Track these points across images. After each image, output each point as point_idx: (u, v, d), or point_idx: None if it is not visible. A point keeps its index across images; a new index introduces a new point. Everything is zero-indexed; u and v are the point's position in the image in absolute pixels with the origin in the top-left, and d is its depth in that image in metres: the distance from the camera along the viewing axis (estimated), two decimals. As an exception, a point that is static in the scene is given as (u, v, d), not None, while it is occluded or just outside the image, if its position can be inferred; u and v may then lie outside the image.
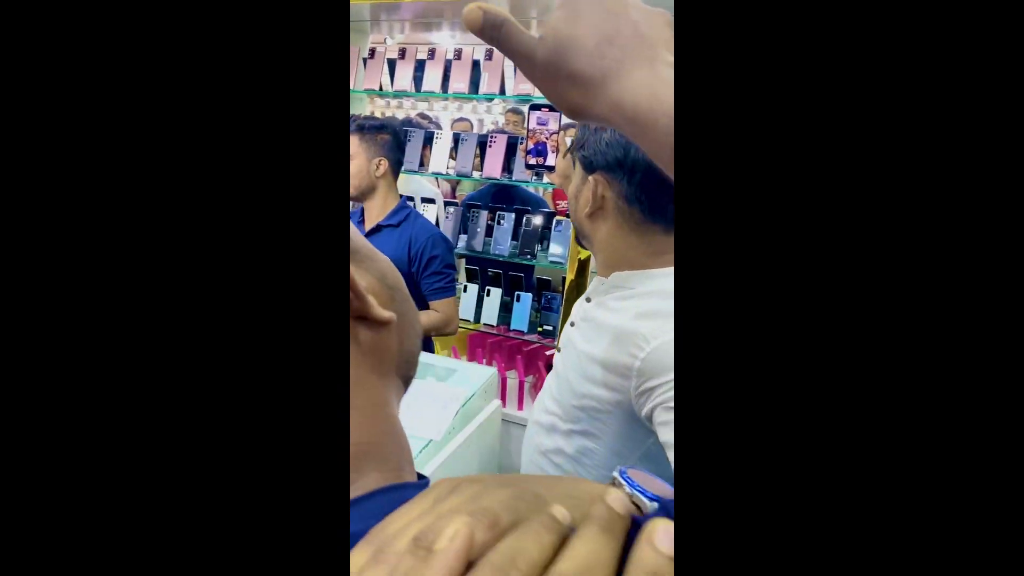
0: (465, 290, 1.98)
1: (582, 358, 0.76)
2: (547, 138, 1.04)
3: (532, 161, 1.05)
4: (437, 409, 0.90)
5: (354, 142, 1.44)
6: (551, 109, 1.04)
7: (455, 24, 2.12)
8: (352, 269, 0.32)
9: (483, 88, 1.84)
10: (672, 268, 0.62)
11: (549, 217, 1.86)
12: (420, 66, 1.94)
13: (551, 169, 1.06)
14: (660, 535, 0.19)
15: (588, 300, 0.82)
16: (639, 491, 0.27)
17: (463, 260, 2.11)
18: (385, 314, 0.33)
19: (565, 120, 1.05)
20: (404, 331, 0.36)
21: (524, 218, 1.87)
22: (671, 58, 0.27)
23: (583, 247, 0.88)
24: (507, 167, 1.85)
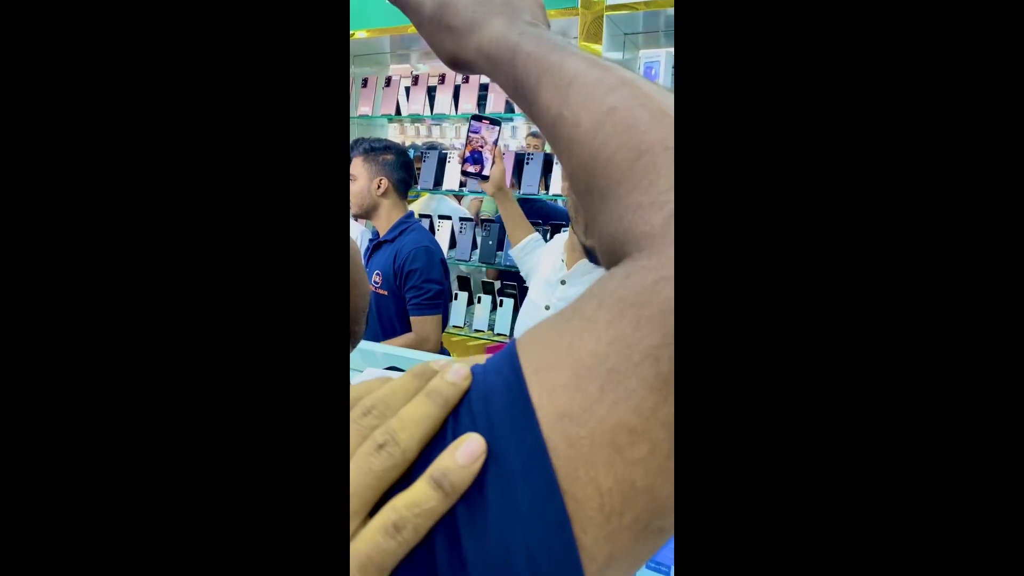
0: (479, 301, 2.05)
1: None
2: (483, 147, 1.07)
3: (469, 169, 1.07)
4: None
5: (357, 163, 1.48)
6: (492, 122, 1.07)
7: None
8: None
9: (489, 108, 1.94)
10: None
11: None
12: (432, 91, 2.05)
13: (486, 179, 1.09)
14: (463, 447, 0.22)
15: (563, 283, 0.88)
16: None
17: (480, 272, 2.18)
18: None
19: (495, 132, 1.09)
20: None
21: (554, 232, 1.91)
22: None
23: (580, 233, 0.92)
24: (525, 181, 1.92)
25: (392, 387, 0.26)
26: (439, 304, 1.48)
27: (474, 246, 2.07)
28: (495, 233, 2.01)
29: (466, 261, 2.04)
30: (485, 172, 1.08)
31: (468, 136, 1.06)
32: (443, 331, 1.59)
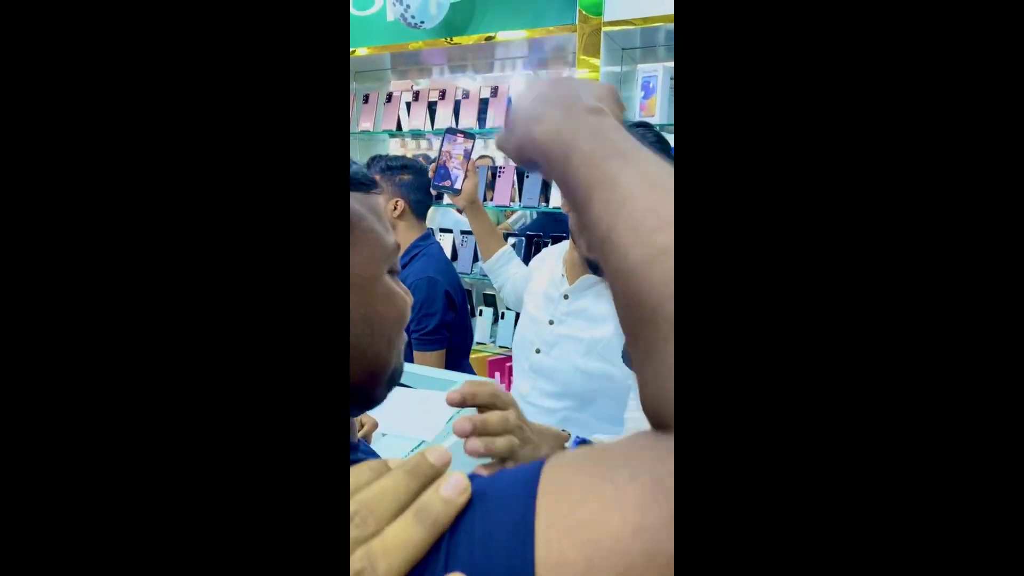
0: (480, 314, 2.06)
1: (588, 344, 0.83)
2: (449, 161, 1.05)
3: (440, 183, 1.06)
4: (431, 413, 0.96)
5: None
6: (466, 135, 1.06)
7: (463, 68, 2.27)
8: None
9: (489, 123, 1.96)
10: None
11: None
12: (432, 106, 2.08)
13: (456, 192, 1.08)
14: (449, 481, 0.22)
15: (566, 297, 0.89)
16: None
17: (483, 284, 2.19)
18: None
19: (468, 146, 1.08)
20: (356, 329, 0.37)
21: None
22: (592, 104, 0.31)
23: (583, 247, 0.93)
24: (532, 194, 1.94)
25: (382, 488, 0.23)
26: (439, 340, 1.40)
27: (475, 259, 2.08)
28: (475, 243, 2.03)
29: (468, 274, 2.05)
30: (457, 186, 1.07)
31: (440, 150, 1.06)
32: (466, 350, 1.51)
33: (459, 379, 1.30)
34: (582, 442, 0.29)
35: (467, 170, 1.07)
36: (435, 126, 2.07)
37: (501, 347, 2.04)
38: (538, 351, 0.93)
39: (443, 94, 2.07)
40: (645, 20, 1.65)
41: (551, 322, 0.92)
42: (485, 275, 2.03)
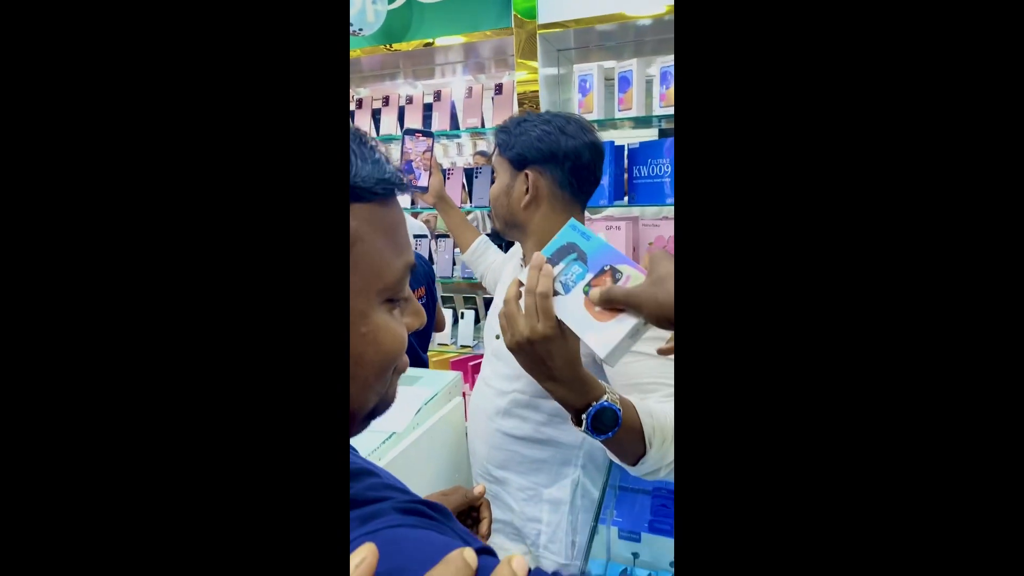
0: (463, 316, 2.09)
1: None
2: (415, 158, 1.08)
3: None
4: (400, 406, 0.99)
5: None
6: (424, 134, 1.08)
7: (404, 74, 2.30)
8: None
9: (434, 126, 1.99)
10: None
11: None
12: (376, 114, 2.10)
13: (424, 189, 1.11)
14: (518, 560, 0.23)
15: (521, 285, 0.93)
16: None
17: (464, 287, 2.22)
18: None
19: (428, 143, 1.11)
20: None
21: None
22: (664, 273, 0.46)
23: (508, 238, 0.97)
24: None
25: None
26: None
27: (453, 263, 2.10)
28: (450, 248, 2.06)
29: (449, 278, 2.07)
30: (421, 183, 1.09)
31: (402, 151, 1.09)
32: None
33: (422, 373, 1.33)
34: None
35: (431, 167, 1.09)
36: (380, 132, 2.09)
37: (463, 346, 2.08)
38: (497, 336, 0.98)
39: (386, 100, 2.10)
40: (578, 22, 1.73)
41: None
42: (465, 277, 2.07)
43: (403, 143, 1.09)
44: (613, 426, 0.56)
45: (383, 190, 0.34)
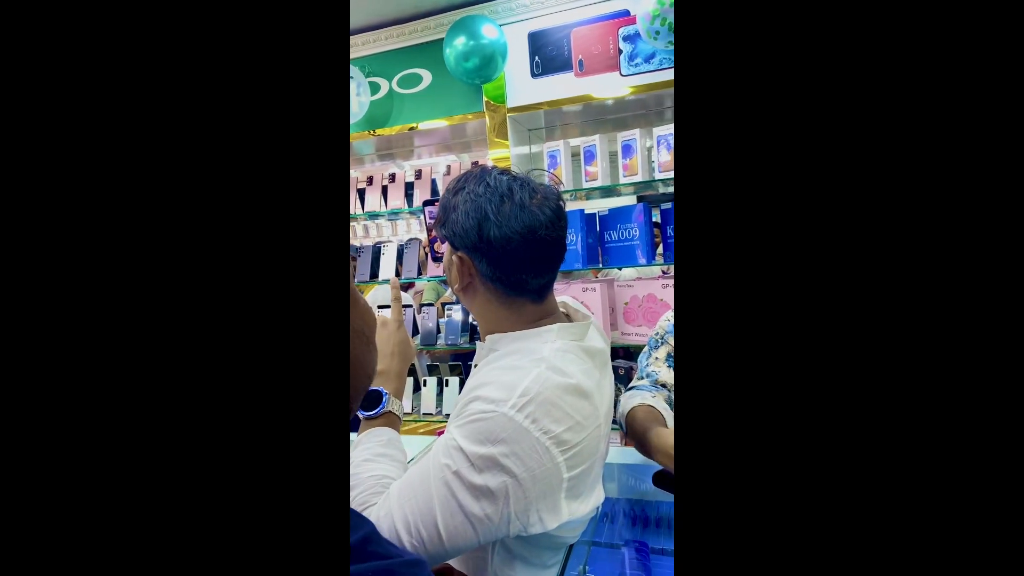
0: (424, 384, 2.11)
1: None
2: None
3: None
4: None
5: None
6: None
7: (389, 156, 2.46)
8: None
9: (415, 203, 2.11)
10: (547, 328, 0.70)
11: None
12: (361, 192, 2.22)
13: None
14: None
15: (475, 366, 0.84)
16: None
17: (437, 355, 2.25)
18: None
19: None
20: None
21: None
22: None
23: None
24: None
25: None
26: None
27: (438, 330, 2.14)
28: (434, 316, 2.12)
29: (433, 345, 2.10)
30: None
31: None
32: None
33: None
34: None
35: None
36: (364, 209, 2.22)
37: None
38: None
39: (371, 180, 2.23)
40: (545, 104, 1.89)
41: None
42: (450, 344, 2.08)
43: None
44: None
45: None
